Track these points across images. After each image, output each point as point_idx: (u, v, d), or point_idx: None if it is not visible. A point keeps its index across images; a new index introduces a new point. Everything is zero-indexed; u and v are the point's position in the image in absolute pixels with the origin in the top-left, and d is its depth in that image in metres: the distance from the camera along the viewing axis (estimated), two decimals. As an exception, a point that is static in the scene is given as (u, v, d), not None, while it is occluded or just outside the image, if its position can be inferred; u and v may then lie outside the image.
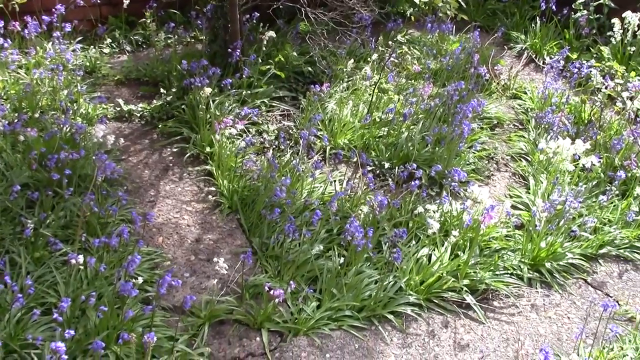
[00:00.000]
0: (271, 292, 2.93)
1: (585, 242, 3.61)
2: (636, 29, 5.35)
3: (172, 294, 3.02)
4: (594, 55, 5.64)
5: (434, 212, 3.30)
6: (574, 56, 5.74)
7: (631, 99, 4.37)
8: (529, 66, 6.00)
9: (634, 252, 3.65)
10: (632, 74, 5.14)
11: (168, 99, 4.49)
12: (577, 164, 3.86)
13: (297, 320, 2.99)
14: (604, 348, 2.93)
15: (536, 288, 3.37)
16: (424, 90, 4.45)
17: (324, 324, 3.02)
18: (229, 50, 4.61)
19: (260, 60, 4.87)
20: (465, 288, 3.25)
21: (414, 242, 3.45)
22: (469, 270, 3.32)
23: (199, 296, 3.01)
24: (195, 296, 2.92)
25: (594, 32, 5.88)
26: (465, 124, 4.19)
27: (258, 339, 2.89)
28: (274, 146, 4.35)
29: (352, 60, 4.93)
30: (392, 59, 4.59)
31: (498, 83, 5.56)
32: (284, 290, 2.96)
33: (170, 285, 2.62)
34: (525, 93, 5.25)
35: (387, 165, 4.22)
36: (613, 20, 5.48)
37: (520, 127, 4.90)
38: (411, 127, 4.48)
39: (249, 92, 4.70)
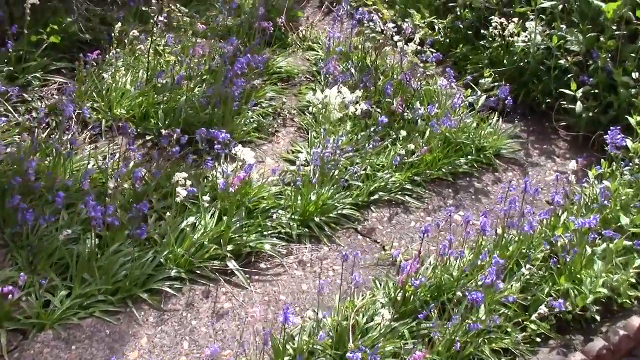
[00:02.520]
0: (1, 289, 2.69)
1: (357, 191, 3.62)
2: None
3: None
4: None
5: (185, 180, 3.15)
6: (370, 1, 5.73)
7: (407, 42, 4.41)
8: (330, 16, 5.95)
9: (405, 194, 3.71)
10: (416, 16, 5.19)
11: None
12: (347, 112, 3.84)
13: (43, 314, 2.78)
14: (358, 297, 2.94)
15: (305, 244, 3.34)
16: (197, 49, 4.24)
17: (74, 314, 2.83)
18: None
19: (26, 31, 4.47)
20: (229, 254, 3.16)
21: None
22: (234, 235, 3.23)
23: None
24: None
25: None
26: (240, 82, 4.06)
27: (-6, 341, 2.66)
28: (44, 124, 4.02)
29: (137, 24, 4.64)
30: (163, 18, 4.34)
31: (298, 35, 5.47)
32: (32, 281, 2.73)
33: None
34: (319, 44, 5.19)
35: (164, 132, 4.02)
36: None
37: (312, 79, 4.83)
38: (196, 89, 4.29)
39: (21, 67, 4.31)
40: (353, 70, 4.51)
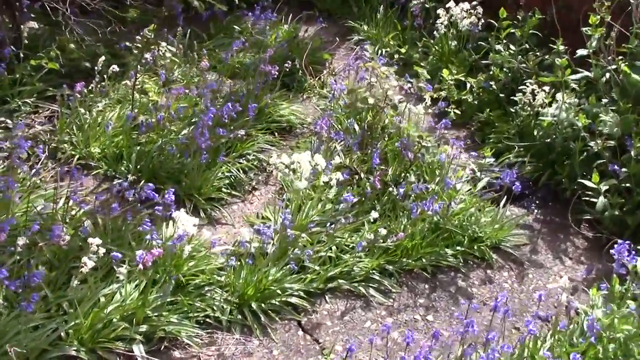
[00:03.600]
0: None
1: (312, 275, 3.13)
2: (459, 20, 4.85)
3: None
4: (419, 49, 5.14)
5: (97, 247, 2.78)
6: (403, 50, 5.25)
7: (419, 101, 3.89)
8: (362, 59, 5.50)
9: (370, 285, 3.18)
10: (445, 71, 4.65)
11: None
12: (318, 182, 3.37)
13: None
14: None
15: (233, 333, 2.89)
16: (176, 90, 3.91)
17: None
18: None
19: (22, 55, 4.32)
20: (139, 337, 2.76)
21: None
22: (152, 313, 2.83)
23: None
24: None
25: (431, 22, 5.37)
26: (222, 131, 3.71)
27: None
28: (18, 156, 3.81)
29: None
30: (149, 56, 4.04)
31: (319, 79, 5.06)
32: None
33: None
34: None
35: (130, 178, 3.71)
36: (438, 11, 4.98)
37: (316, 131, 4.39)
38: (181, 132, 3.96)
39: (16, 90, 4.16)
40: (356, 128, 4.03)
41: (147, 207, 3.28)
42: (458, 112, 4.53)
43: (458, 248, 3.38)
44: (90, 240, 2.79)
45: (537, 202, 3.87)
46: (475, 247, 3.41)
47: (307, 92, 4.90)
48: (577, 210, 3.71)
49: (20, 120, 4.06)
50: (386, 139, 3.87)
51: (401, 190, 3.40)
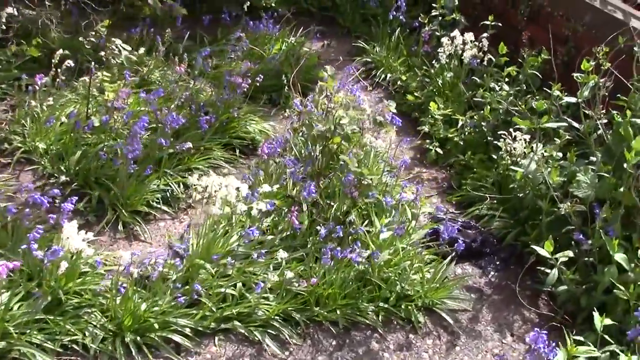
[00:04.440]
0: None
1: (206, 311, 2.83)
2: (460, 51, 4.44)
3: None
4: (419, 78, 4.75)
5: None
6: (404, 77, 4.87)
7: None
8: (366, 81, 5.17)
9: (267, 332, 2.84)
10: (433, 105, 4.25)
11: None
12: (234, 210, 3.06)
13: None
14: None
15: (97, 365, 2.62)
16: (122, 92, 3.70)
17: None
18: None
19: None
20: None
21: None
22: (14, 329, 2.60)
23: None
24: None
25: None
26: (164, 142, 3.49)
27: None
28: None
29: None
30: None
31: (306, 97, 4.75)
32: None
33: None
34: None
35: (63, 179, 3.54)
36: (442, 39, 4.58)
37: (282, 153, 4.08)
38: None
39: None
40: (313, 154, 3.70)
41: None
42: (440, 151, 4.13)
43: (381, 304, 2.99)
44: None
45: (497, 263, 3.42)
46: (402, 307, 3.01)
47: (291, 110, 4.61)
48: (537, 280, 3.24)
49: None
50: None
51: (323, 231, 3.03)
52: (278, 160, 3.68)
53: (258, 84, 4.24)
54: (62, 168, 3.63)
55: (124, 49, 3.88)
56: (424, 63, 4.85)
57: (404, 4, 5.29)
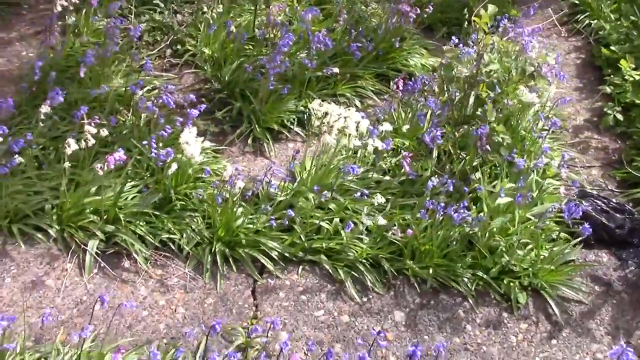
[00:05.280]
0: None
1: (296, 238, 2.81)
2: None
3: None
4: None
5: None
6: (608, 27, 4.20)
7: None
8: (565, 27, 4.56)
9: (352, 273, 2.74)
10: (623, 63, 3.61)
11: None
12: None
13: None
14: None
15: (186, 267, 2.76)
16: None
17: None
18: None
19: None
20: (101, 234, 2.79)
21: None
22: (124, 217, 2.83)
23: None
24: None
25: None
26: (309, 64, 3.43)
27: None
28: None
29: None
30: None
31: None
32: None
33: None
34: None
35: (215, 86, 3.71)
36: None
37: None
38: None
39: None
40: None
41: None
42: (620, 117, 3.56)
43: (480, 274, 2.73)
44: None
45: (643, 258, 2.92)
46: (505, 282, 2.72)
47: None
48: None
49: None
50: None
51: (430, 183, 2.80)
52: (419, 99, 3.45)
53: (440, 14, 3.97)
54: (219, 75, 3.79)
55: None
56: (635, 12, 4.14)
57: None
